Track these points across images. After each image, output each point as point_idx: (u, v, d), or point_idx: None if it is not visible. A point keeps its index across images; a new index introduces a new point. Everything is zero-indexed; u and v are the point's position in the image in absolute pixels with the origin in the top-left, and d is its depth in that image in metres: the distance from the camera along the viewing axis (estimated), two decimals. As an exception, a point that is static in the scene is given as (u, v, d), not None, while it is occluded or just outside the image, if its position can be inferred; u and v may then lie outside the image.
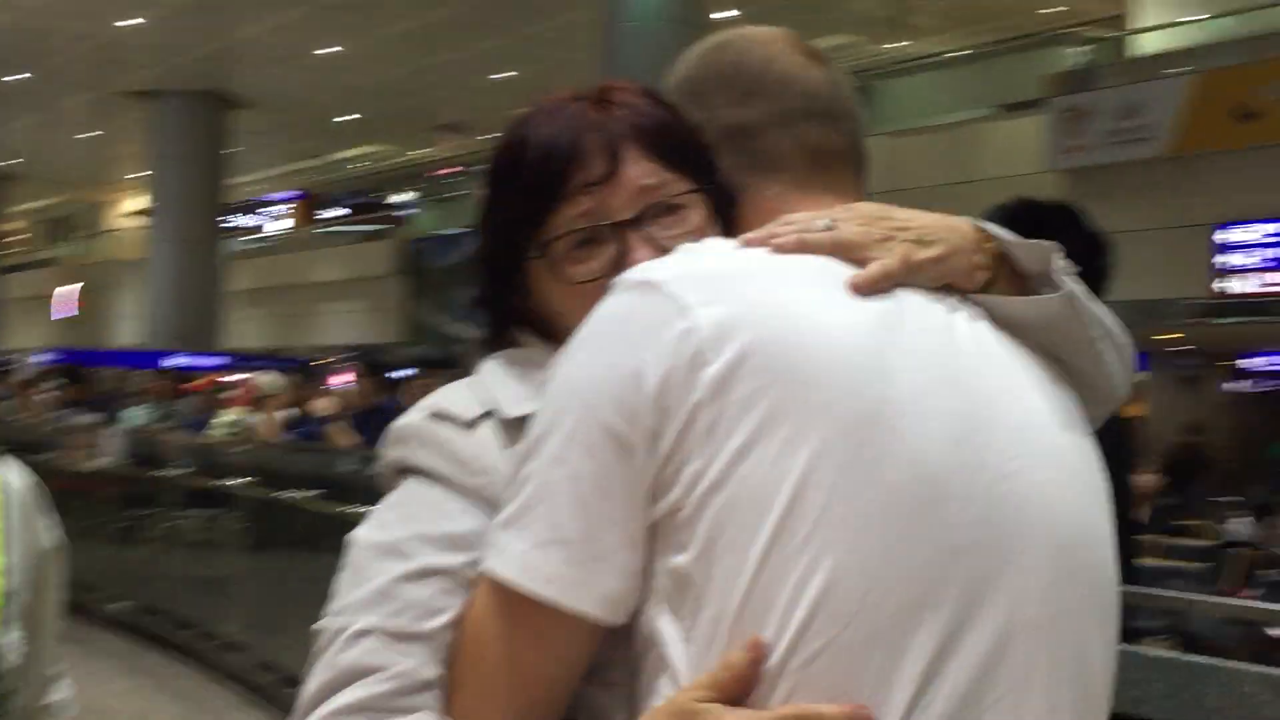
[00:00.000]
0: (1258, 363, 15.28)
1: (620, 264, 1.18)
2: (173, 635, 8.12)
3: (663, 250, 1.18)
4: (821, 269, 1.12)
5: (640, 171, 1.21)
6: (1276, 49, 12.45)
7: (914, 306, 1.12)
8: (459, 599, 1.11)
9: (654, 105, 1.25)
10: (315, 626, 1.14)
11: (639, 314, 1.08)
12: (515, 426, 1.16)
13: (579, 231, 1.20)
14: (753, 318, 1.06)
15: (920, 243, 1.15)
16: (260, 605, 7.56)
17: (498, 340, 1.29)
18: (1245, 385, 15.41)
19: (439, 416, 1.19)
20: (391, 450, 1.22)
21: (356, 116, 23.85)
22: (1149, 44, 14.19)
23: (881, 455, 1.03)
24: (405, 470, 1.20)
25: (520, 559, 1.06)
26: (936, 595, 1.01)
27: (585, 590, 1.05)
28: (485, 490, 1.14)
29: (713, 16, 12.06)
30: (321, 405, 9.09)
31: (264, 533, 7.64)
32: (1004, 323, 1.16)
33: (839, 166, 1.28)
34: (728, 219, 1.25)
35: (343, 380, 12.67)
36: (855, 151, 1.30)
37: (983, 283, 1.16)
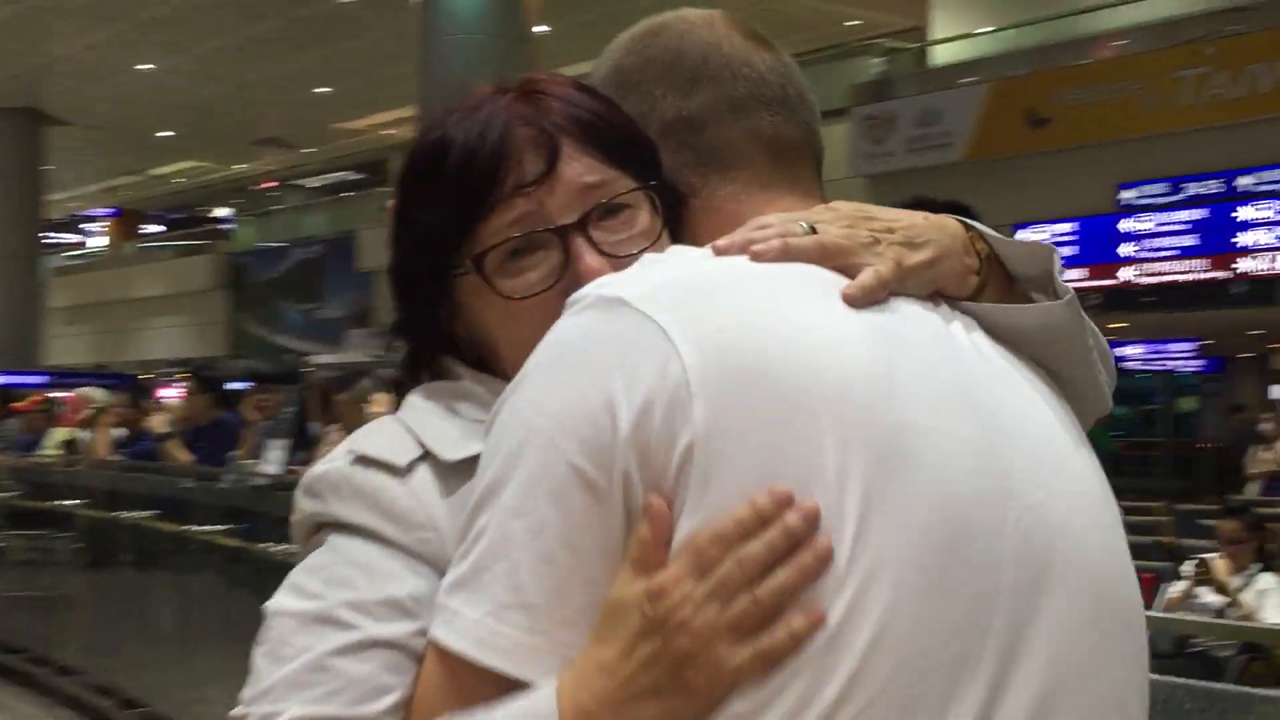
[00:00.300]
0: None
1: (565, 275, 1.05)
2: (3, 660, 8.01)
3: (612, 257, 1.05)
4: (808, 278, 0.99)
5: (580, 168, 1.06)
6: (1064, 58, 13.37)
7: (911, 316, 1.00)
8: (408, 675, 0.96)
9: (587, 96, 1.11)
10: (232, 715, 0.97)
11: (607, 336, 0.93)
12: (455, 471, 1.02)
13: (515, 239, 1.05)
14: (744, 339, 0.92)
15: (909, 245, 1.03)
16: (97, 628, 7.57)
17: (420, 370, 1.15)
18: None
19: (366, 462, 1.03)
20: (308, 503, 1.06)
21: (175, 133, 23.51)
22: (946, 55, 15.02)
23: (909, 492, 0.90)
24: (326, 526, 1.04)
25: (475, 627, 0.90)
26: (979, 647, 0.90)
27: (553, 661, 0.90)
28: (427, 547, 0.99)
29: (535, 29, 12.31)
30: (157, 421, 8.98)
31: (100, 553, 7.60)
32: (999, 331, 1.05)
33: (799, 160, 1.14)
34: (674, 221, 1.12)
35: (173, 395, 12.61)
36: (813, 142, 1.16)
37: (975, 287, 1.05)
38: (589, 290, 0.97)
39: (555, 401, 0.92)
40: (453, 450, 1.03)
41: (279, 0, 16.28)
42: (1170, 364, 17.74)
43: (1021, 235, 13.72)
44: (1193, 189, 12.50)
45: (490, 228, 1.06)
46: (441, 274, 1.09)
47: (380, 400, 5.81)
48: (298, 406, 8.85)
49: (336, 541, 1.02)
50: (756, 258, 0.99)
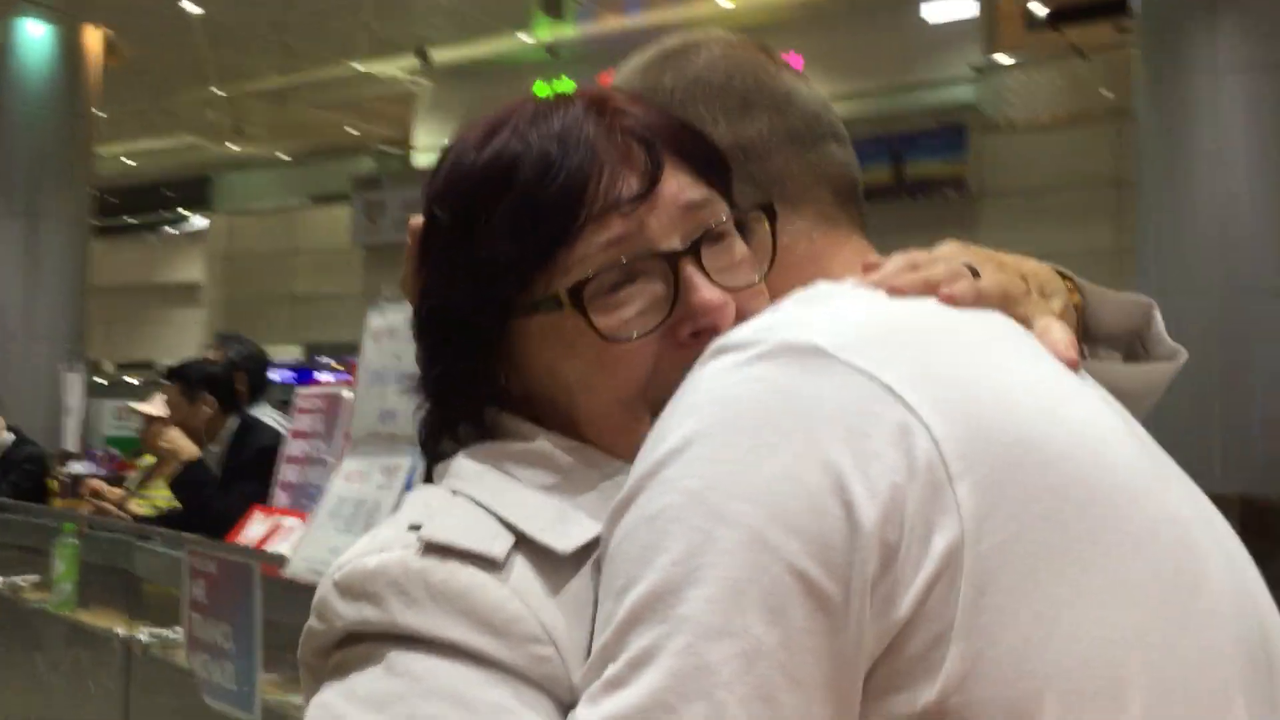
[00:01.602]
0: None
1: (673, 312, 0.84)
2: None
3: (725, 289, 0.85)
4: (996, 331, 0.81)
5: (680, 185, 0.87)
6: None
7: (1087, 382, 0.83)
8: None
9: (660, 111, 0.91)
10: None
11: (813, 393, 0.70)
12: (562, 565, 0.76)
13: (620, 267, 0.83)
14: (989, 404, 0.71)
15: (1043, 295, 0.89)
16: None
17: (444, 434, 0.91)
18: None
19: (446, 552, 0.75)
20: (350, 608, 0.77)
21: None
22: (426, 159, 19.16)
23: (1201, 607, 0.73)
24: (376, 639, 0.75)
25: None
26: None
27: None
28: (545, 668, 0.73)
29: (95, 111, 14.93)
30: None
31: None
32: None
33: (855, 198, 1.01)
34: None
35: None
36: (859, 187, 1.02)
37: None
38: (752, 334, 0.74)
39: (751, 479, 0.67)
40: (562, 539, 0.77)
41: None
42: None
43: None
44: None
45: (576, 254, 0.83)
46: (505, 314, 0.86)
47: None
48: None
49: (406, 662, 0.73)
50: (950, 301, 0.80)
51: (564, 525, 0.79)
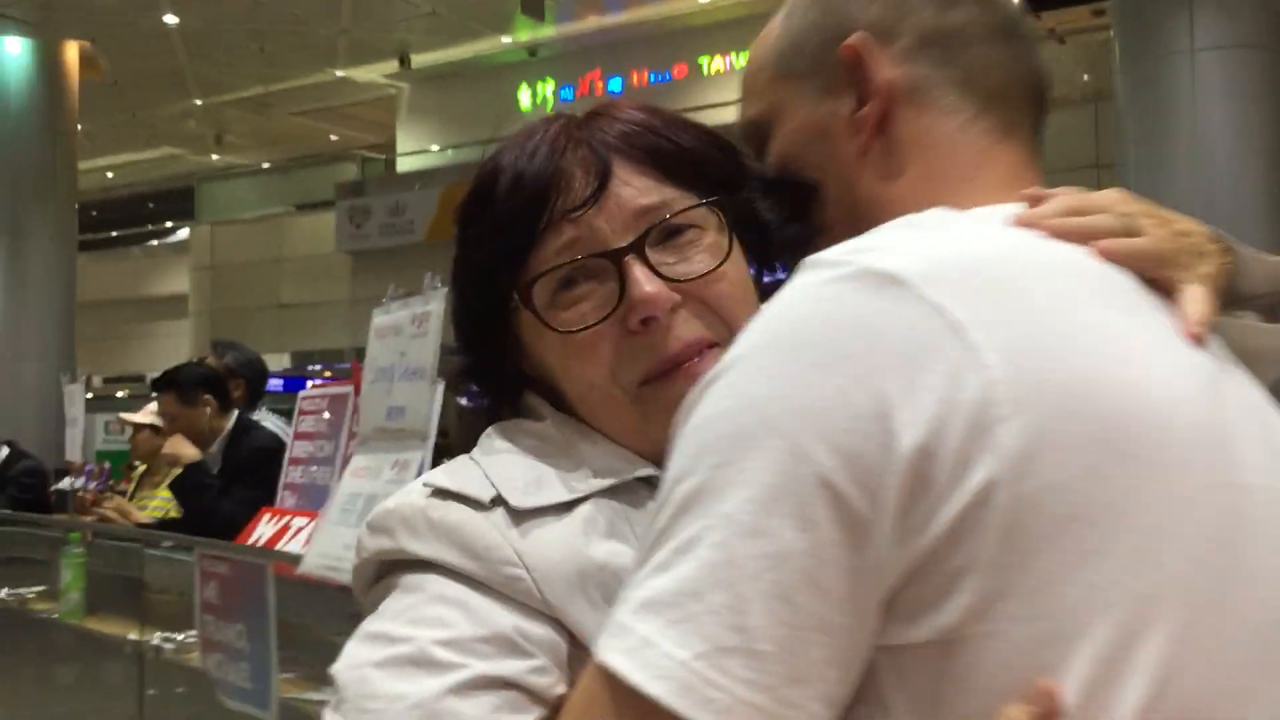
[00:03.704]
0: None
1: (621, 304, 0.94)
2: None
3: (673, 281, 0.95)
4: (1113, 283, 0.80)
5: (635, 190, 0.97)
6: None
7: (1216, 353, 0.81)
8: (529, 717, 0.84)
9: (652, 116, 1.01)
10: None
11: (876, 321, 0.72)
12: (528, 518, 0.91)
13: (564, 266, 0.96)
14: (1058, 352, 0.72)
15: (1198, 256, 0.85)
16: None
17: (497, 411, 1.05)
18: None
19: (445, 494, 0.93)
20: (374, 540, 0.95)
21: None
22: (409, 164, 19.14)
23: (1238, 579, 0.73)
24: (397, 566, 0.93)
25: (682, 670, 0.69)
26: None
27: None
28: (518, 586, 0.88)
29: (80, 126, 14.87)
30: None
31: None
32: (1238, 352, 0.85)
33: (1040, 110, 0.96)
34: (761, 242, 1.00)
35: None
36: (1047, 95, 0.97)
37: None
38: (843, 254, 0.76)
39: (802, 395, 0.71)
40: (519, 497, 0.92)
41: None
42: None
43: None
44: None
45: (540, 256, 0.96)
46: (501, 310, 1.00)
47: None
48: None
49: (416, 580, 0.90)
50: (1105, 256, 0.80)
51: (536, 489, 0.94)
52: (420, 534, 0.93)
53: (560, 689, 0.86)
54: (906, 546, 0.70)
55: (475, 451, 1.01)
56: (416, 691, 0.83)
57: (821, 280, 0.76)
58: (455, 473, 0.97)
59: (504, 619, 0.88)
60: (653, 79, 16.14)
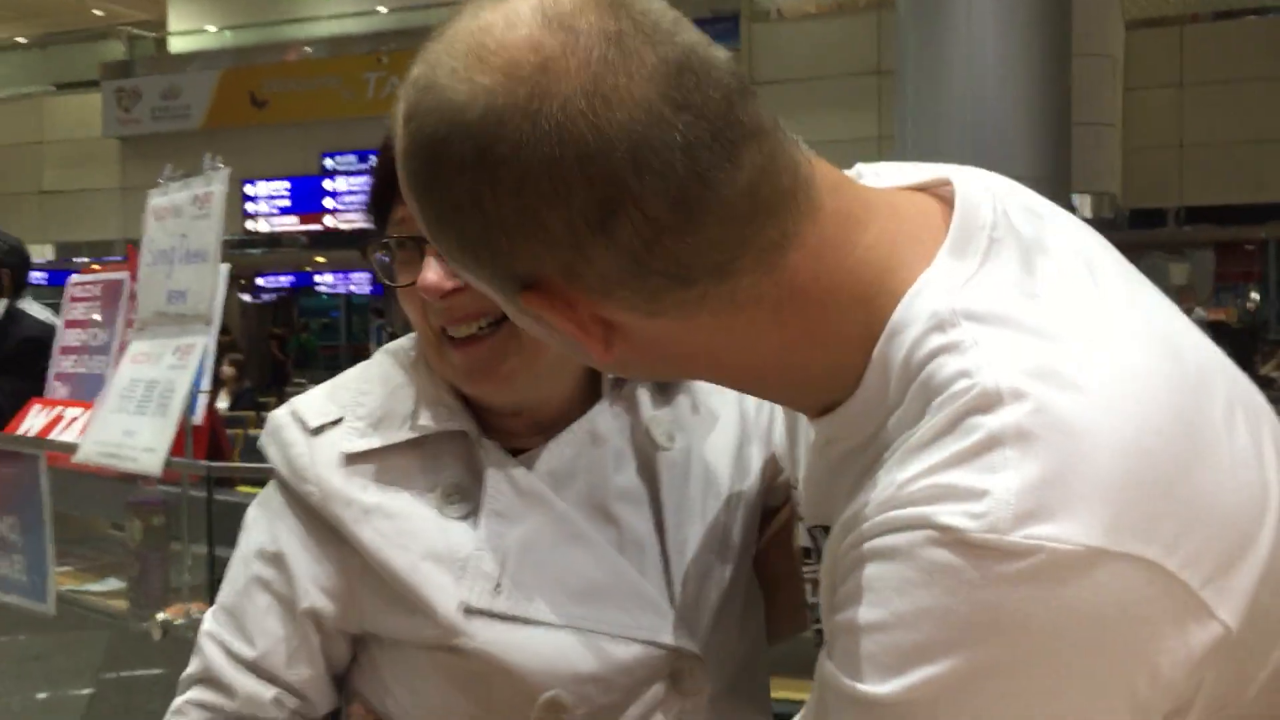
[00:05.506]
0: (270, 280, 20.63)
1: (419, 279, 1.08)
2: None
3: (448, 275, 1.07)
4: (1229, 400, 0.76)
5: None
6: (275, 56, 17.10)
7: None
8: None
9: None
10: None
11: (1099, 613, 0.66)
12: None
13: (392, 238, 1.12)
14: (1240, 538, 0.70)
15: None
16: None
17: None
18: (264, 297, 20.81)
19: (294, 415, 1.17)
20: (264, 437, 1.19)
21: None
22: (183, 44, 18.22)
23: None
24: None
25: None
26: None
27: None
28: (310, 501, 1.12)
29: None
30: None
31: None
32: None
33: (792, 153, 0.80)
34: None
35: None
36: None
37: None
38: (999, 520, 0.66)
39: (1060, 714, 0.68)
40: (314, 417, 1.16)
41: None
42: (352, 288, 21.79)
43: (252, 189, 17.28)
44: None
45: (390, 221, 1.12)
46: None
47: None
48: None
49: (269, 486, 1.19)
50: None
51: (321, 407, 1.16)
52: (270, 446, 1.18)
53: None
54: None
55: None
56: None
57: (1008, 577, 0.67)
58: (318, 394, 1.20)
59: (267, 533, 1.16)
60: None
